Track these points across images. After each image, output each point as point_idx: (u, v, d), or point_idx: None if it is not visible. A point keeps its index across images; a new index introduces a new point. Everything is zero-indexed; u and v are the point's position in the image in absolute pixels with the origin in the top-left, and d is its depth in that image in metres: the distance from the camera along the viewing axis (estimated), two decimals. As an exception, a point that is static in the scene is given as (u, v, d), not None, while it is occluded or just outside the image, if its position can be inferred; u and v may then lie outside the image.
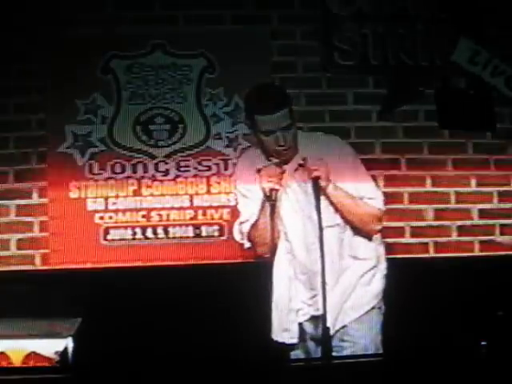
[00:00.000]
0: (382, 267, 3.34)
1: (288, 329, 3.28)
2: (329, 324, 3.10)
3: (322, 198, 3.13)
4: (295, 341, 3.28)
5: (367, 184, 3.31)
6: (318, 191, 3.11)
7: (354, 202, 3.21)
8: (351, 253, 3.26)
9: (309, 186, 3.17)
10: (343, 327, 3.23)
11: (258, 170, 3.16)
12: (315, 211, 3.09)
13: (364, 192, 3.25)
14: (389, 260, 3.41)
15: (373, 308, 3.29)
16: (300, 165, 3.15)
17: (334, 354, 3.10)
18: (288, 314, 3.28)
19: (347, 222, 3.23)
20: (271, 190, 3.09)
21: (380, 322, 3.32)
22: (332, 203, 3.17)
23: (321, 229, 3.06)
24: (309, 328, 3.29)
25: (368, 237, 3.29)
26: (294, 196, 3.23)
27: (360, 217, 3.23)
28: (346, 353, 3.21)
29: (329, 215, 3.17)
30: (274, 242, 3.24)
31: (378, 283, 3.31)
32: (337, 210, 3.19)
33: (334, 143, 3.32)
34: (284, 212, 3.24)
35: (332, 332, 3.14)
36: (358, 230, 3.26)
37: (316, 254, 3.12)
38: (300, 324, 3.28)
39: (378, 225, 3.29)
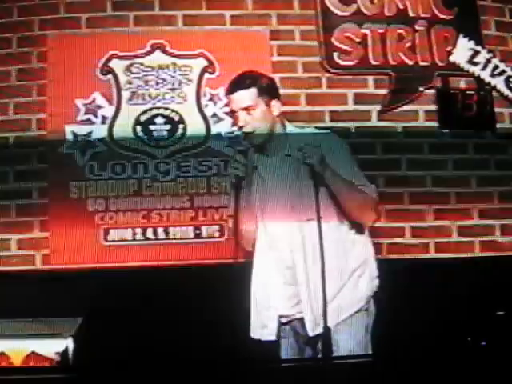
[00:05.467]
0: (371, 268, 3.24)
1: (266, 325, 3.21)
2: (310, 327, 3.09)
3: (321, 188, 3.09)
4: (273, 338, 3.20)
5: (358, 172, 3.23)
6: (315, 178, 3.06)
7: (351, 188, 3.12)
8: (341, 252, 3.17)
9: (296, 177, 3.13)
10: (327, 329, 3.05)
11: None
12: (314, 201, 3.04)
13: (357, 179, 3.17)
14: (387, 261, 3.39)
15: (359, 310, 3.18)
16: (298, 150, 3.09)
17: (320, 356, 3.05)
18: (268, 310, 3.21)
19: (344, 210, 3.15)
20: (235, 176, 3.12)
21: (366, 324, 3.20)
22: (329, 190, 3.10)
23: (319, 219, 3.02)
24: (295, 327, 3.22)
25: (362, 230, 3.23)
26: (279, 187, 3.18)
27: (357, 204, 3.15)
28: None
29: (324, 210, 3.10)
30: (251, 234, 3.25)
31: (365, 285, 3.20)
32: (334, 197, 3.11)
33: (323, 136, 3.29)
34: (263, 203, 3.20)
35: (314, 333, 3.10)
36: (353, 221, 3.19)
37: (300, 249, 3.11)
38: (283, 323, 3.22)
39: (373, 214, 3.20)
